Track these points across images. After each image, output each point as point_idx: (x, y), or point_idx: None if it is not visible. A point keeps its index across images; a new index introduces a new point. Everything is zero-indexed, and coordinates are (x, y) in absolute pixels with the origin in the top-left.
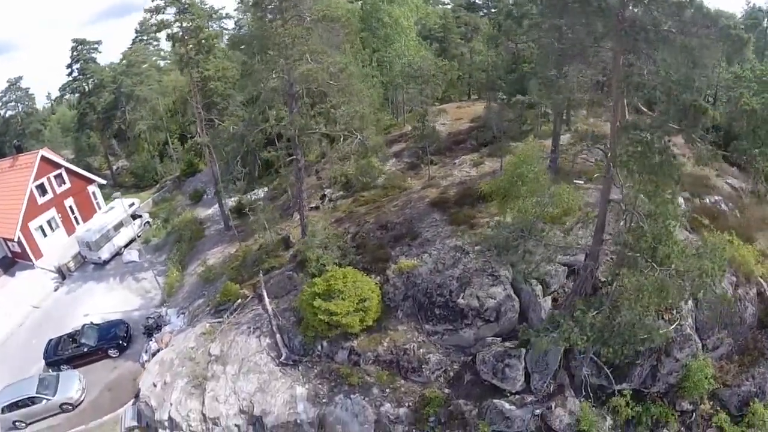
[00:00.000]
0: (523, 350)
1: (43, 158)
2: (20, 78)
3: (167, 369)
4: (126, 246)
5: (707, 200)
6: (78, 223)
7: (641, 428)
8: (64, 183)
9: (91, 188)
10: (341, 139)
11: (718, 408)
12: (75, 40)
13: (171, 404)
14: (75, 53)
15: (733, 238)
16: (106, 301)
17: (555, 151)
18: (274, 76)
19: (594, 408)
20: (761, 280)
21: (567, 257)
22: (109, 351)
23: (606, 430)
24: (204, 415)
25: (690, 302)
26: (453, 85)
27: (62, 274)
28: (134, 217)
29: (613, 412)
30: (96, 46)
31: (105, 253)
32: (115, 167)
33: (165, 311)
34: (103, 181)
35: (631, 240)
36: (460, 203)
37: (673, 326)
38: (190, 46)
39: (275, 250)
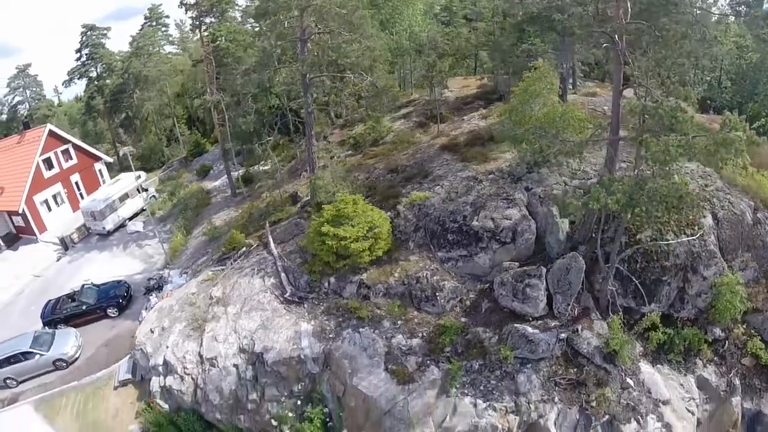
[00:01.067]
0: (544, 269)
1: (51, 132)
2: (29, 65)
3: (166, 315)
4: (131, 218)
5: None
6: (83, 199)
7: (673, 355)
8: (71, 158)
9: (98, 166)
10: (351, 79)
11: (752, 333)
12: (84, 26)
13: (167, 347)
14: (84, 38)
15: (747, 166)
16: (108, 268)
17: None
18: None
19: (623, 329)
20: None
21: (580, 181)
22: (108, 310)
23: (637, 357)
24: (201, 356)
25: (710, 219)
26: (460, 61)
27: (65, 244)
28: (140, 190)
29: (643, 338)
30: (105, 32)
31: (109, 224)
32: (121, 153)
33: (167, 272)
34: (110, 159)
35: (650, 107)
36: (471, 144)
37: (697, 236)
38: (204, 8)
39: (283, 205)
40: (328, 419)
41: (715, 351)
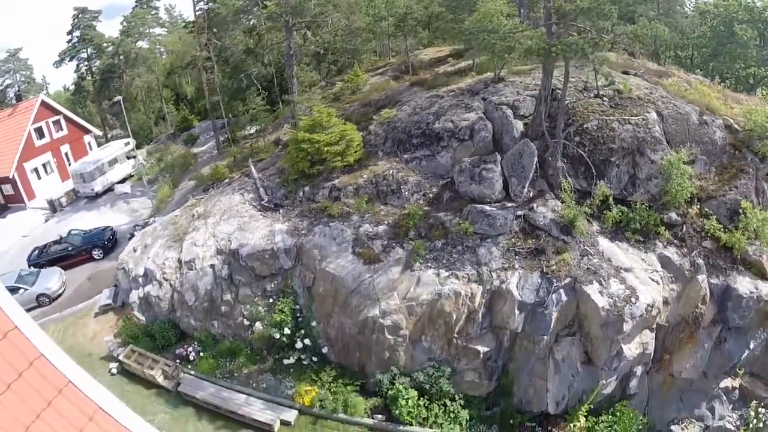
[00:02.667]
0: (498, 156)
1: (43, 103)
2: (20, 49)
3: (149, 235)
4: (119, 183)
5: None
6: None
7: (630, 234)
8: (62, 129)
9: (88, 138)
10: (330, 21)
11: (708, 214)
12: (76, 8)
13: (148, 258)
14: (76, 21)
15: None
16: (95, 223)
17: None
18: None
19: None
20: (728, 117)
21: (531, 92)
22: (94, 252)
23: (594, 233)
24: (180, 261)
25: (654, 114)
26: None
27: (53, 207)
28: (129, 156)
29: (598, 219)
30: (96, 14)
31: (98, 186)
32: (110, 135)
33: (153, 219)
34: (99, 132)
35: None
36: (437, 78)
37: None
38: None
39: (267, 149)
40: (298, 314)
41: (674, 234)
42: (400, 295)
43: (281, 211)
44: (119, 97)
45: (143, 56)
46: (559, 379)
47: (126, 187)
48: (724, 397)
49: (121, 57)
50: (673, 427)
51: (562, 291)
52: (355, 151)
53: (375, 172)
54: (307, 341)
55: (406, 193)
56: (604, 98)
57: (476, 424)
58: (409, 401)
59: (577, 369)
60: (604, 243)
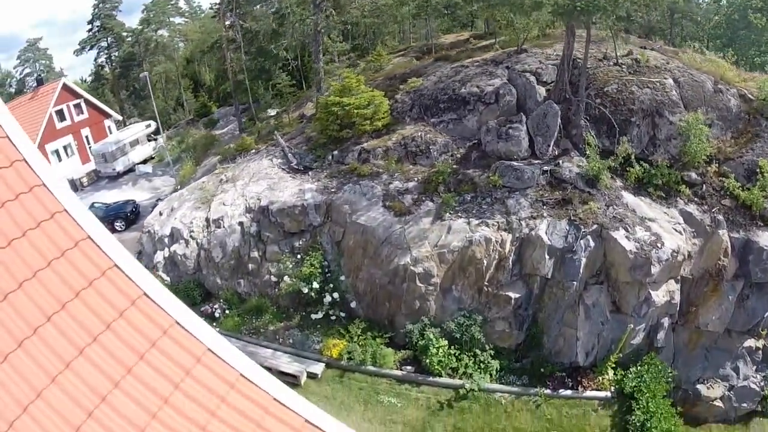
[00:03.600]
0: (524, 116)
1: (65, 86)
2: (39, 39)
3: (176, 200)
4: (141, 164)
5: None
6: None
7: (653, 189)
8: (83, 113)
9: (108, 123)
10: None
11: (727, 173)
12: None
13: (175, 218)
14: (96, 10)
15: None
16: (117, 198)
17: None
18: None
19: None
20: (742, 87)
21: (554, 62)
22: (116, 223)
23: (618, 187)
24: (207, 220)
25: (671, 81)
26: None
27: (74, 186)
28: (150, 138)
29: (621, 176)
30: (117, 4)
31: (119, 166)
32: (128, 123)
33: (179, 188)
34: (119, 117)
35: None
36: (461, 53)
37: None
38: None
39: (291, 124)
40: (327, 269)
41: (694, 193)
42: (431, 243)
43: (310, 173)
44: (145, 73)
45: (163, 44)
46: (588, 326)
47: (148, 167)
48: (748, 358)
49: (141, 46)
50: (698, 386)
51: (589, 237)
52: (384, 116)
53: (403, 135)
54: (335, 295)
55: (435, 153)
56: (623, 66)
57: (506, 375)
58: (440, 350)
59: (606, 316)
60: (628, 196)
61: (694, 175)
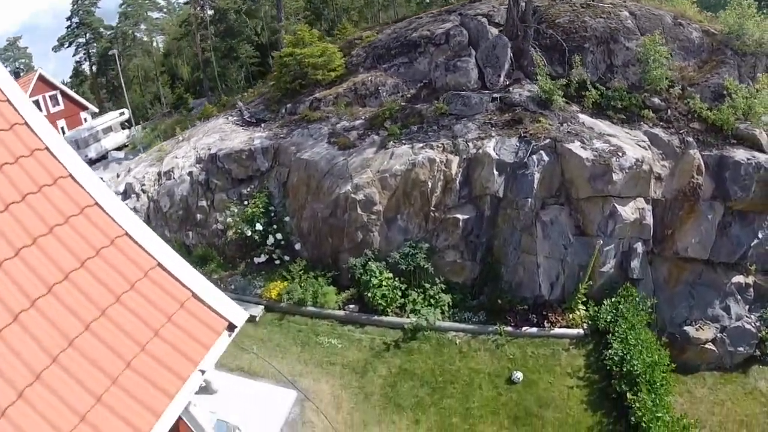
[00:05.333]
0: (473, 50)
1: (41, 77)
2: (19, 37)
3: (133, 162)
4: (114, 150)
5: None
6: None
7: (613, 113)
8: (58, 104)
9: (84, 115)
10: None
11: (692, 96)
12: None
13: (129, 176)
14: (75, 6)
15: None
16: None
17: None
18: None
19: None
20: (704, 24)
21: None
22: None
23: (573, 112)
24: (159, 173)
25: (627, 12)
26: None
27: None
28: (124, 127)
29: (578, 102)
30: (95, 0)
31: (92, 152)
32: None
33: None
34: (96, 109)
35: None
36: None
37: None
38: None
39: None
40: (272, 213)
41: (659, 117)
42: (374, 170)
43: (263, 125)
44: (114, 50)
45: (140, 40)
46: (548, 248)
47: (120, 154)
48: (739, 296)
49: (119, 40)
50: (686, 328)
51: (542, 152)
52: (337, 68)
53: (354, 81)
54: (278, 236)
55: (384, 94)
56: (575, 4)
57: (461, 312)
58: (383, 283)
59: (569, 238)
60: (585, 118)
61: (657, 101)
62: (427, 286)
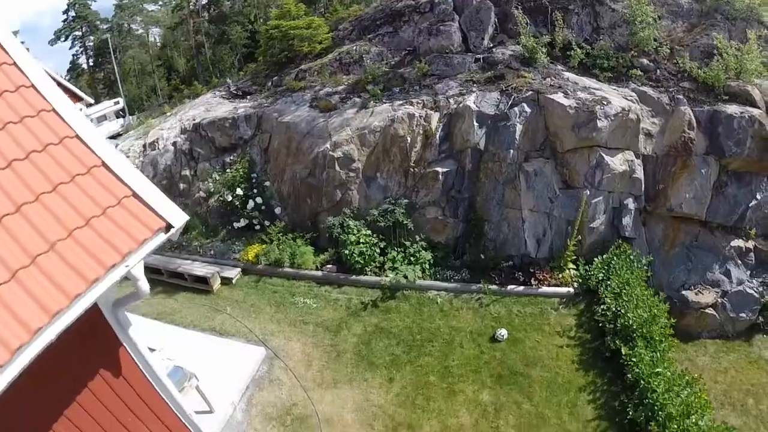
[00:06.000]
0: (456, 15)
1: None
2: (17, 32)
3: (122, 139)
4: (107, 138)
5: None
6: None
7: (599, 71)
8: None
9: (79, 105)
10: None
11: (682, 55)
12: None
13: (115, 149)
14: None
15: None
16: None
17: None
18: None
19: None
20: None
21: None
22: None
23: (558, 70)
24: (144, 145)
25: None
26: None
27: None
28: (119, 115)
29: (563, 62)
30: None
31: None
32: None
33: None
34: (91, 100)
35: None
36: None
37: None
38: None
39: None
40: (254, 179)
41: (648, 77)
42: (353, 128)
43: (248, 97)
44: (107, 35)
45: (135, 31)
46: (533, 200)
47: (114, 142)
48: (739, 260)
49: (115, 33)
50: (685, 292)
51: (524, 104)
52: (324, 40)
53: (340, 52)
54: (258, 200)
55: (369, 61)
56: None
57: (442, 271)
58: (361, 240)
59: (555, 191)
60: (570, 75)
61: (645, 61)
62: (408, 244)
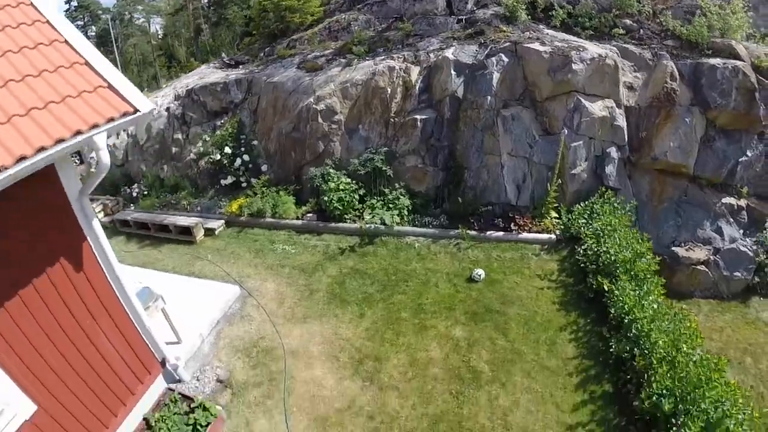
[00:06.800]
0: None
1: None
2: None
3: None
4: None
5: None
6: None
7: (580, 30)
8: None
9: None
10: None
11: (665, 13)
12: None
13: None
14: None
15: None
16: None
17: None
18: None
19: None
20: None
21: None
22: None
23: (540, 28)
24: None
25: None
26: None
27: None
28: None
29: (546, 23)
30: None
31: None
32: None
33: None
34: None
35: None
36: None
37: None
38: None
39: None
40: (242, 140)
41: (631, 37)
42: (336, 83)
43: (240, 67)
44: (107, 15)
45: (137, 20)
46: (511, 144)
47: None
48: (731, 218)
49: (117, 22)
50: (675, 249)
51: (502, 54)
52: (316, 12)
53: (329, 21)
54: (246, 157)
55: (356, 28)
56: None
57: (421, 218)
58: (340, 187)
59: (534, 136)
60: (550, 32)
61: (628, 22)
62: (387, 191)
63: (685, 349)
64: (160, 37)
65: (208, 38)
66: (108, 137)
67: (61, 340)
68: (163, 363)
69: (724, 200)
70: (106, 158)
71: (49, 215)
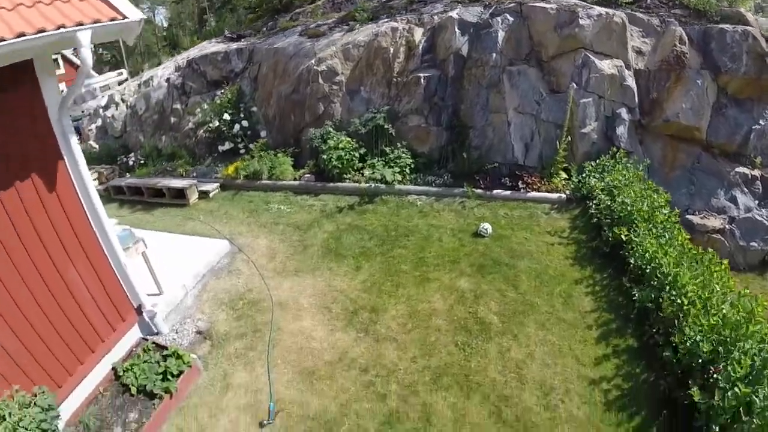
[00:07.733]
0: None
1: None
2: None
3: (123, 87)
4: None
5: None
6: None
7: (587, 1)
8: (59, 68)
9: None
10: None
11: None
12: None
13: (113, 92)
14: None
15: None
16: None
17: None
18: None
19: None
20: None
21: None
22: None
23: None
24: (139, 84)
25: None
26: None
27: None
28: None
29: None
30: None
31: (87, 108)
32: None
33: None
34: (96, 75)
35: None
36: None
37: None
38: None
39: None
40: (242, 107)
41: (639, 5)
42: (338, 45)
43: (242, 40)
44: None
45: (141, 9)
46: (518, 100)
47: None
48: (745, 188)
49: None
50: (689, 216)
51: (506, 14)
52: None
53: None
54: (245, 123)
55: (360, 0)
56: None
57: (424, 177)
58: (340, 146)
59: (541, 93)
60: None
61: None
62: (388, 150)
63: (718, 289)
64: (164, 28)
65: (212, 27)
66: (107, 111)
67: (27, 270)
68: (139, 310)
69: (737, 169)
70: (88, 57)
71: (24, 122)
